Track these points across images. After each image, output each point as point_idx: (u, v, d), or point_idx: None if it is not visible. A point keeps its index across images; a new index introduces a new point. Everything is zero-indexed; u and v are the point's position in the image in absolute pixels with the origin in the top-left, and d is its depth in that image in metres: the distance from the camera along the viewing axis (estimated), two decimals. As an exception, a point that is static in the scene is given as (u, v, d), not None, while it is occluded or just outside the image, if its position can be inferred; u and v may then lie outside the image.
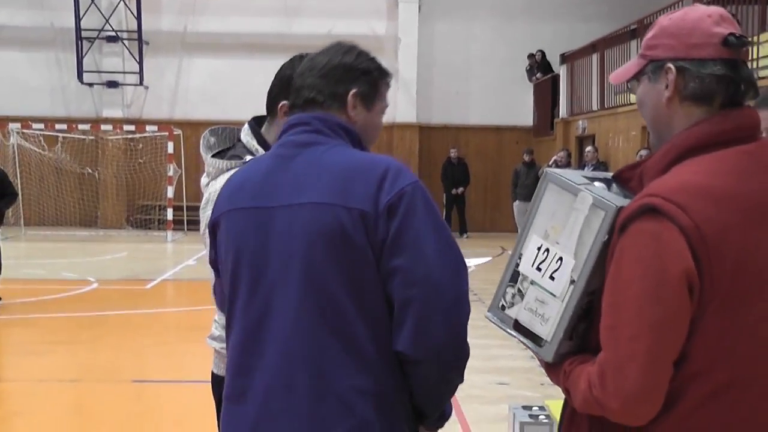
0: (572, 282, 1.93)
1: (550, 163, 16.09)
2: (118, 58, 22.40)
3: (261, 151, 2.76)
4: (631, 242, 1.80)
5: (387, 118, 12.92)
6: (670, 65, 1.91)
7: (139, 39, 21.97)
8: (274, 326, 2.17)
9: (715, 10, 1.94)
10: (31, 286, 12.52)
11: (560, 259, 1.97)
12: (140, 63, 22.02)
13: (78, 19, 21.67)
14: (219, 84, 22.18)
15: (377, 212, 2.11)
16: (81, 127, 21.05)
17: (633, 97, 15.06)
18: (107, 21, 21.90)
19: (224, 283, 2.31)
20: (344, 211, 2.11)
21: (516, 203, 17.93)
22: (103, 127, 21.36)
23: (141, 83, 22.29)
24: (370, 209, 2.11)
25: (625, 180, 2.00)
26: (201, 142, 2.90)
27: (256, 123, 2.88)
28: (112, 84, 22.26)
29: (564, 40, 20.64)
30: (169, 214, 20.24)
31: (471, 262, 10.51)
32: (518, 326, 2.05)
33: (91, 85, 22.37)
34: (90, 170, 21.86)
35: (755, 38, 11.01)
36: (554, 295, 1.97)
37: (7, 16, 22.16)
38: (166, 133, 20.47)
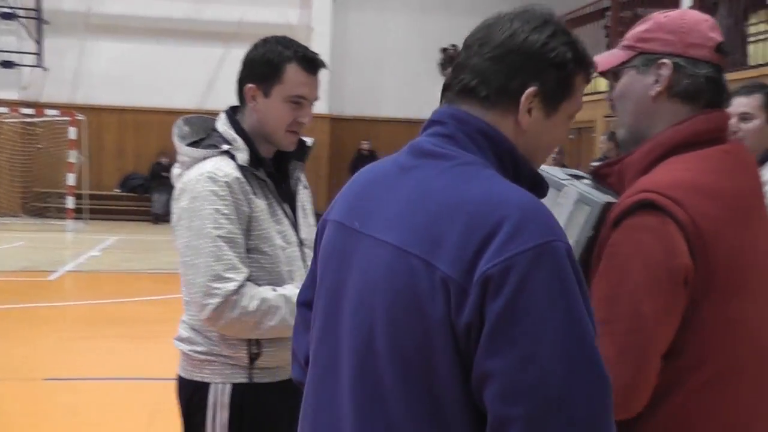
0: None
1: None
2: (14, 37, 21.29)
3: (239, 140, 2.70)
4: (627, 237, 1.80)
5: None
6: (666, 60, 1.92)
7: (39, 18, 21.05)
8: (331, 391, 1.67)
9: (709, 17, 2.00)
10: None
11: None
12: (39, 43, 21.08)
13: (-31, -6, 20.62)
14: (125, 69, 21.44)
15: (467, 283, 1.45)
16: (-29, 107, 20.06)
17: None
18: (1, -4, 20.90)
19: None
20: (423, 267, 1.49)
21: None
22: (-1, 109, 20.40)
23: (40, 65, 21.33)
24: (458, 276, 1.45)
25: (603, 176, 2.01)
26: (173, 131, 2.78)
27: (233, 112, 2.81)
28: (7, 64, 21.05)
29: (454, 34, 20.60)
30: (70, 202, 19.49)
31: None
32: None
33: (-19, 64, 21.32)
34: (-19, 154, 20.89)
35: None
36: None
37: None
38: (68, 118, 19.65)
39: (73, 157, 19.50)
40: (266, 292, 2.64)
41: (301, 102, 2.72)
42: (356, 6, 22.41)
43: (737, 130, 3.74)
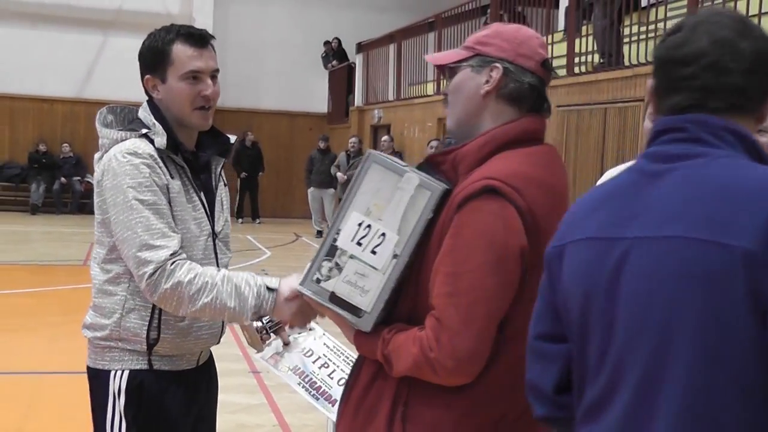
0: (395, 256, 2.10)
1: (348, 150, 16.17)
2: None
3: (158, 126, 2.73)
4: (472, 218, 2.00)
5: None
6: (498, 64, 2.16)
7: None
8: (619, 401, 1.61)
9: (540, 36, 2.28)
10: None
11: (383, 234, 2.12)
12: None
13: None
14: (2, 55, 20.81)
15: None
16: None
17: (429, 89, 15.49)
18: None
19: (568, 333, 1.75)
20: (717, 251, 1.50)
21: (310, 190, 17.88)
22: None
23: None
24: (759, 248, 1.46)
25: (436, 164, 2.17)
26: (97, 118, 2.82)
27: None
28: None
29: (361, 29, 20.79)
30: None
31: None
32: (335, 298, 2.18)
33: None
34: None
35: (548, 38, 11.46)
36: (376, 268, 2.13)
37: None
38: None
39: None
40: (206, 269, 2.64)
41: (197, 76, 2.73)
42: (238, -2, 22.27)
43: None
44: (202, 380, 2.92)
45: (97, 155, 2.80)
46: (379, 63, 19.03)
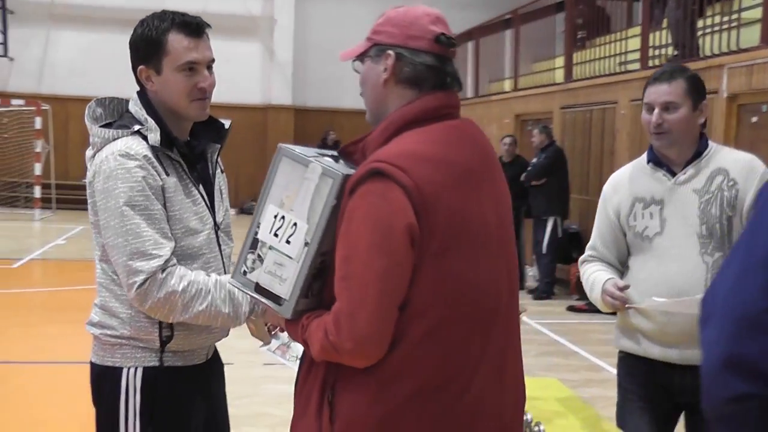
0: (306, 244, 2.15)
1: None
2: (-21, 27, 21.41)
3: (150, 121, 2.64)
4: (360, 202, 2.03)
5: (262, 99, 13.26)
6: (390, 51, 2.17)
7: (3, 8, 20.84)
8: None
9: (434, 11, 2.24)
10: None
11: (295, 224, 2.18)
12: (4, 33, 20.95)
13: (-68, -16, 20.41)
14: (88, 58, 21.47)
15: None
16: (-62, 98, 20.02)
17: (506, 86, 15.48)
18: (-34, -13, 20.84)
19: None
20: None
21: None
22: (-36, 99, 20.39)
23: (5, 54, 21.21)
24: None
25: (348, 154, 2.23)
26: (86, 112, 2.72)
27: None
28: (-27, 54, 21.27)
29: (440, 27, 20.81)
30: (37, 191, 19.56)
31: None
32: (260, 289, 2.25)
33: (-53, 55, 21.18)
34: (-53, 144, 20.87)
35: (623, 33, 11.40)
36: (291, 257, 2.18)
37: None
38: (34, 108, 19.67)
39: (39, 146, 19.58)
40: (197, 274, 2.59)
41: (194, 67, 2.64)
42: (318, -2, 22.56)
43: (661, 122, 3.26)
44: (212, 373, 2.91)
45: (88, 152, 2.71)
46: (458, 60, 19.01)
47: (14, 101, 19.91)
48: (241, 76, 20.74)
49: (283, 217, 2.21)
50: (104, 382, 2.73)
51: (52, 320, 9.06)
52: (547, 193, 11.32)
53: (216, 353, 2.96)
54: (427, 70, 2.17)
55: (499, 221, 2.20)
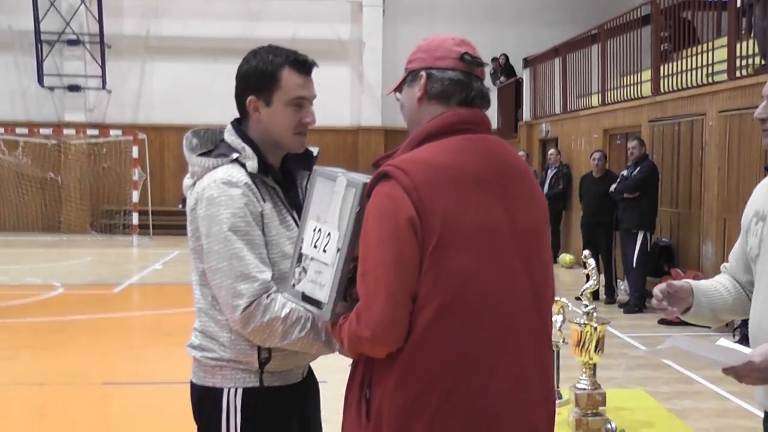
0: (338, 250, 2.37)
1: None
2: (80, 61, 22.07)
3: (248, 149, 2.75)
4: (372, 202, 2.27)
5: (352, 121, 13.54)
6: (422, 72, 2.41)
7: (101, 42, 21.67)
8: None
9: (457, 36, 2.48)
10: (-5, 292, 12.45)
11: (329, 234, 2.41)
12: (102, 67, 21.77)
13: (37, 21, 21.26)
14: (182, 88, 22.10)
15: None
16: (43, 131, 20.74)
17: (594, 101, 15.41)
18: (68, 24, 21.54)
19: None
20: None
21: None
22: (66, 131, 21.03)
23: (104, 87, 22.03)
24: None
25: (379, 166, 2.38)
26: (183, 143, 2.84)
27: (238, 123, 2.86)
28: (74, 88, 21.97)
29: (527, 45, 20.94)
30: (135, 218, 20.20)
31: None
32: (305, 297, 2.47)
33: (52, 88, 22.03)
34: (53, 175, 21.59)
35: (710, 44, 11.26)
36: (327, 264, 2.40)
37: (-37, 20, 21.83)
38: (131, 138, 20.34)
39: (136, 174, 20.21)
40: (297, 304, 2.66)
41: (301, 103, 2.77)
42: (406, 20, 22.70)
43: (766, 116, 2.72)
44: (308, 391, 2.96)
45: (187, 181, 2.81)
46: (546, 77, 19.07)
47: (113, 132, 20.63)
48: (332, 99, 20.93)
49: (320, 230, 2.44)
50: (206, 403, 2.81)
51: (152, 342, 9.34)
52: (639, 207, 11.24)
53: (311, 371, 3.01)
54: (453, 85, 2.39)
55: (517, 227, 2.35)
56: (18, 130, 20.68)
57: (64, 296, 12.45)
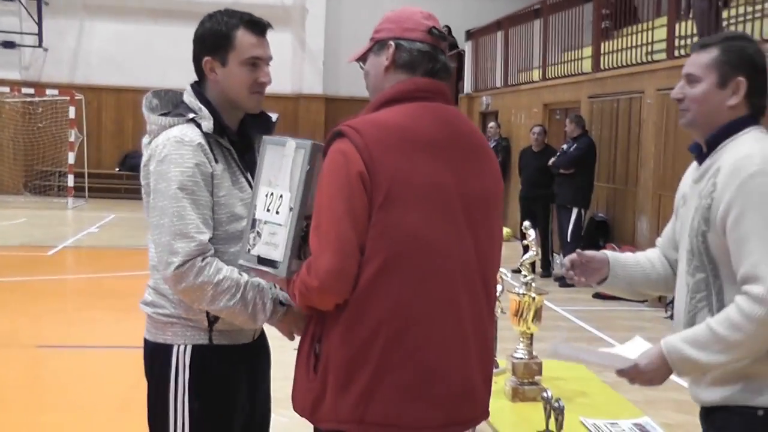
0: (290, 209, 2.48)
1: None
2: (15, 17, 21.41)
3: (204, 110, 2.82)
4: (327, 159, 2.39)
5: (293, 88, 13.50)
6: (391, 42, 2.51)
7: (38, -1, 21.32)
8: None
9: (425, 10, 2.59)
10: None
11: (281, 196, 2.51)
12: (39, 24, 21.26)
13: (-29, -25, 20.76)
14: (122, 49, 21.70)
15: None
16: (-26, 88, 20.34)
17: (535, 75, 15.53)
18: (3, -21, 21.13)
19: None
20: None
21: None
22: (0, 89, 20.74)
23: (40, 45, 21.52)
24: None
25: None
26: (143, 103, 2.91)
27: (197, 85, 2.93)
28: (9, 44, 21.35)
29: (470, 17, 20.90)
30: (70, 180, 19.81)
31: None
32: (261, 260, 2.55)
33: (-16, 45, 21.54)
34: (-17, 133, 21.22)
35: (650, 23, 11.41)
36: (280, 225, 2.51)
37: None
38: (67, 98, 19.93)
39: (72, 136, 19.85)
40: (232, 271, 2.72)
41: (256, 63, 2.84)
42: (351, -13, 22.62)
43: (682, 97, 2.67)
44: (258, 353, 3.03)
45: (144, 140, 2.87)
46: (488, 50, 19.14)
47: (49, 91, 20.21)
48: (273, 65, 20.63)
49: (272, 194, 2.54)
50: (156, 359, 2.87)
51: (86, 306, 9.26)
52: (573, 183, 11.41)
53: (263, 334, 3.06)
54: (421, 56, 2.51)
55: (466, 193, 2.45)
56: (-55, 86, 20.12)
57: (-5, 257, 12.25)
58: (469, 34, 20.22)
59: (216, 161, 2.78)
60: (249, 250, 2.59)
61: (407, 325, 2.34)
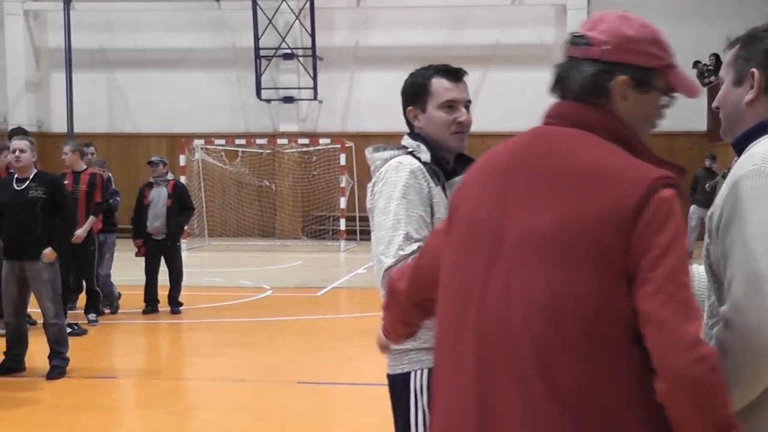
0: None
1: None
2: (294, 74, 23.09)
3: (422, 145, 3.05)
4: None
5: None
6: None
7: (314, 55, 22.56)
8: None
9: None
10: (211, 293, 13.24)
11: None
12: (314, 78, 22.67)
13: (257, 38, 22.47)
14: (390, 96, 22.09)
15: None
16: (259, 141, 21.84)
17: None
18: (283, 39, 22.57)
19: None
20: None
21: (693, 207, 17.30)
22: (279, 140, 22.01)
23: (315, 98, 22.94)
24: None
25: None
26: (366, 150, 3.24)
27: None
28: (288, 99, 23.02)
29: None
30: (342, 224, 20.82)
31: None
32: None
33: (268, 101, 23.18)
34: (267, 182, 22.69)
35: None
36: None
37: (192, 39, 23.13)
38: (339, 146, 21.07)
39: (343, 182, 20.91)
40: None
41: (453, 105, 3.07)
42: (611, 21, 22.29)
43: (716, 105, 2.32)
44: None
45: (370, 184, 3.17)
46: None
47: (322, 140, 21.45)
48: (536, 103, 20.57)
49: None
50: (396, 389, 3.04)
51: (356, 345, 9.55)
52: None
53: None
54: None
55: (509, 229, 1.92)
56: (237, 141, 21.79)
57: (272, 298, 13.04)
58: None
59: (434, 185, 3.01)
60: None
61: (437, 363, 2.11)
